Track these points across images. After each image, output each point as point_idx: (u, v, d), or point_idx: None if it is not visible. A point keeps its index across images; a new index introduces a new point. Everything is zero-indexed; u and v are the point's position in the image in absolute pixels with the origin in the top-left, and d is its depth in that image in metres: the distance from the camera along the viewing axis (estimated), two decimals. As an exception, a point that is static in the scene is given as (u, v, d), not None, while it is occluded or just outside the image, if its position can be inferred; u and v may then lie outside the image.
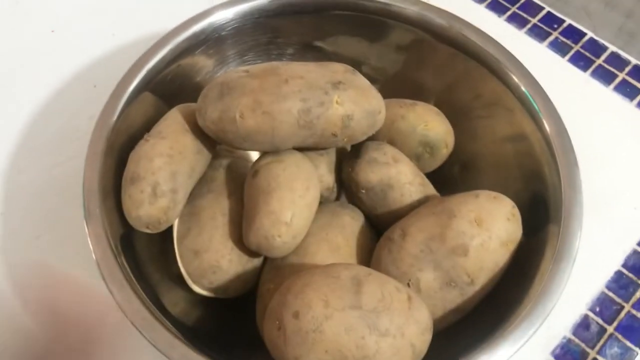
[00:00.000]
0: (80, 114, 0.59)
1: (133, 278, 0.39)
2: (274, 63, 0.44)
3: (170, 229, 0.44)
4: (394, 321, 0.35)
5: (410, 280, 0.41)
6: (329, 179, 0.48)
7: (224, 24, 0.49)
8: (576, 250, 0.40)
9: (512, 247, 0.41)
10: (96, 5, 0.66)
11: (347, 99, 0.42)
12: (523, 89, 0.46)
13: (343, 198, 0.51)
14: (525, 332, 0.37)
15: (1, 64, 0.62)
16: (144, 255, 0.44)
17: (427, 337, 0.37)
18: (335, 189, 0.49)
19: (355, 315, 0.35)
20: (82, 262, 0.50)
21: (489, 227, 0.40)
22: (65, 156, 0.56)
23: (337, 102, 0.42)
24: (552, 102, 0.45)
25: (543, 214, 0.44)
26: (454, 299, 0.41)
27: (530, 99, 0.45)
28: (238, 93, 0.41)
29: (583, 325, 0.49)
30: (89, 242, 0.39)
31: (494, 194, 0.42)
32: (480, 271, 0.40)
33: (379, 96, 0.45)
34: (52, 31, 0.64)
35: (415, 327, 0.36)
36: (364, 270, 0.38)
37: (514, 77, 0.46)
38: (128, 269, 0.40)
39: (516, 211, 0.42)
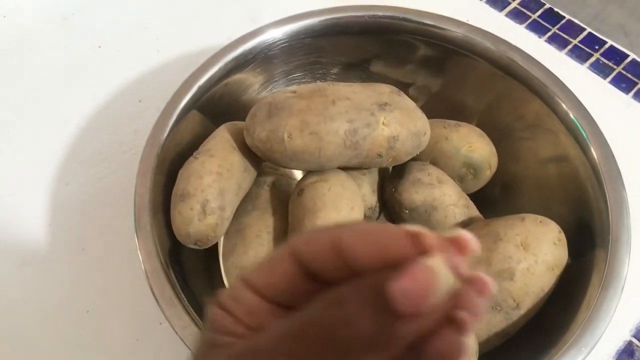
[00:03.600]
0: (126, 128, 0.60)
1: (181, 293, 0.40)
2: (321, 84, 0.45)
3: (215, 245, 0.45)
4: (441, 344, 0.35)
5: (455, 303, 0.41)
6: (372, 198, 0.48)
7: (272, 43, 0.50)
8: (624, 278, 0.40)
9: (558, 272, 0.41)
10: (141, 23, 0.68)
11: (393, 120, 0.43)
12: (569, 113, 0.46)
13: (382, 217, 0.51)
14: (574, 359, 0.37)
15: (50, 79, 0.64)
16: (190, 270, 0.45)
17: (473, 362, 0.37)
18: (377, 209, 0.49)
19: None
20: (126, 274, 0.51)
21: (535, 252, 0.40)
22: (110, 169, 0.58)
23: (383, 124, 0.42)
24: (598, 127, 0.45)
25: (588, 238, 0.43)
26: (498, 323, 0.41)
27: (577, 123, 0.45)
28: (286, 113, 0.42)
29: (627, 352, 0.48)
30: (140, 256, 0.40)
31: (540, 217, 0.42)
32: (525, 296, 0.40)
33: (424, 117, 0.45)
34: (99, 47, 0.66)
35: (461, 351, 0.36)
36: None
37: (559, 101, 0.46)
38: (176, 284, 0.41)
39: (562, 236, 0.42)
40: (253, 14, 0.68)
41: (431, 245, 0.17)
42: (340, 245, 0.18)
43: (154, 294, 0.39)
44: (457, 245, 0.18)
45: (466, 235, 0.18)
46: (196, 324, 0.38)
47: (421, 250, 0.17)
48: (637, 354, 0.48)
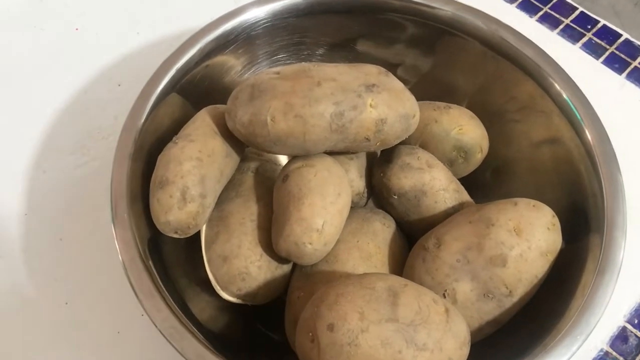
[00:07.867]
0: (105, 113, 0.58)
1: (161, 284, 0.38)
2: (306, 64, 0.43)
3: (197, 233, 0.43)
4: (432, 335, 0.34)
5: (446, 290, 0.39)
6: (360, 183, 0.47)
7: (254, 23, 0.47)
8: (620, 263, 0.39)
9: (551, 257, 0.40)
10: (120, 4, 0.66)
11: (381, 102, 0.41)
12: (563, 94, 0.44)
13: (370, 202, 0.50)
14: (569, 348, 0.36)
15: (26, 63, 0.62)
16: (171, 260, 0.43)
17: (465, 352, 0.36)
18: (365, 194, 0.47)
19: (392, 328, 0.34)
20: (106, 265, 0.49)
21: (528, 237, 0.39)
22: (89, 156, 0.56)
23: (370, 106, 0.41)
24: (593, 108, 0.44)
25: (583, 223, 0.42)
26: (491, 310, 0.40)
27: (571, 104, 0.44)
28: (269, 96, 0.40)
29: (621, 337, 0.47)
30: (117, 247, 0.38)
31: (533, 202, 0.41)
32: (518, 282, 0.39)
33: (413, 99, 0.43)
34: (76, 29, 0.64)
35: (453, 341, 0.35)
36: (399, 280, 0.37)
37: (552, 81, 0.45)
38: (156, 275, 0.39)
39: (556, 220, 0.41)
40: (236, -6, 0.66)
41: None
42: None
43: (132, 285, 0.37)
44: None
45: None
46: (176, 316, 0.37)
47: None
48: (631, 339, 0.47)
